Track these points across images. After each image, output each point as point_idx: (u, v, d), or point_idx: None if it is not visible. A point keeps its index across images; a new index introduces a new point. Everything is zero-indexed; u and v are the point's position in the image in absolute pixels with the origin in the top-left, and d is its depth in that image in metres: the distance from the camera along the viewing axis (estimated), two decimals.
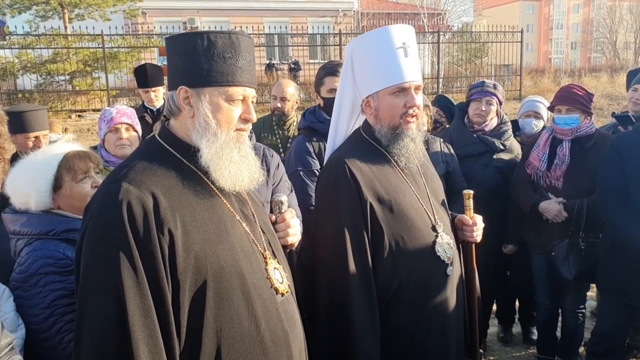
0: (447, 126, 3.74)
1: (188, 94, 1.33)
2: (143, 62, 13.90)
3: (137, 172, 1.27)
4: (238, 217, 1.39)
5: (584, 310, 3.09)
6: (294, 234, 1.65)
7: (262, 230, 1.47)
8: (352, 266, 1.71)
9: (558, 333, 3.28)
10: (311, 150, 2.64)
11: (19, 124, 2.86)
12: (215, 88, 1.32)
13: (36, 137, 2.91)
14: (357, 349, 1.69)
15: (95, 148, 2.70)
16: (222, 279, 1.27)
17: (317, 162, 2.61)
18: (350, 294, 1.70)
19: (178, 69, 1.33)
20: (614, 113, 3.62)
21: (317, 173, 2.56)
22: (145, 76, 4.11)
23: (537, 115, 3.48)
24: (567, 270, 2.80)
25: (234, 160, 1.35)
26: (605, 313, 2.82)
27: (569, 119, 2.84)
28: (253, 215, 1.46)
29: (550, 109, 3.01)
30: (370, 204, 1.75)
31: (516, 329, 3.77)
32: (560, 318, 3.22)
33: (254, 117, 1.40)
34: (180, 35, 1.36)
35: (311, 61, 16.27)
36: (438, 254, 1.82)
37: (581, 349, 3.20)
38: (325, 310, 1.75)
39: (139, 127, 2.68)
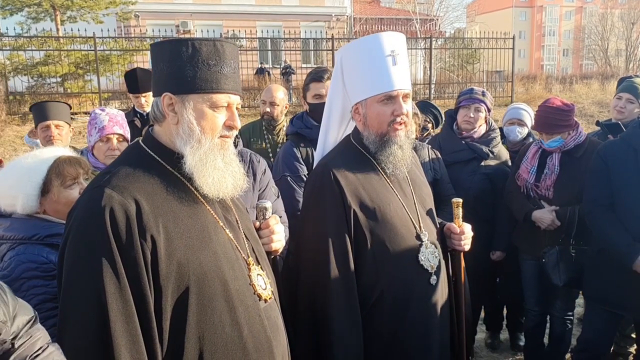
0: (433, 131, 3.76)
1: (172, 101, 1.33)
2: (135, 64, 13.92)
3: (120, 178, 1.27)
4: (221, 224, 1.39)
5: (572, 317, 3.11)
6: (278, 240, 1.65)
7: (245, 236, 1.48)
8: (333, 271, 1.71)
9: (545, 340, 3.30)
10: (299, 155, 2.65)
11: (38, 115, 3.21)
12: (199, 95, 1.33)
13: (47, 126, 3.13)
14: (335, 354, 1.69)
15: (81, 152, 2.68)
16: (204, 285, 1.27)
17: (305, 168, 2.62)
18: (330, 299, 1.70)
19: (162, 76, 1.34)
20: (598, 122, 3.66)
21: (305, 178, 2.57)
22: (135, 82, 4.08)
23: (521, 123, 3.51)
24: (558, 277, 2.81)
25: (217, 167, 1.35)
26: (590, 320, 2.84)
27: (552, 142, 2.88)
28: (237, 221, 1.47)
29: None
30: (354, 210, 1.76)
31: (504, 335, 3.79)
32: (548, 324, 3.24)
33: (238, 124, 1.41)
34: (164, 42, 1.37)
35: (304, 65, 16.32)
36: (421, 262, 1.82)
37: (567, 356, 3.22)
38: (306, 315, 1.75)
39: (129, 135, 2.66)
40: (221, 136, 1.38)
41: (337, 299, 1.71)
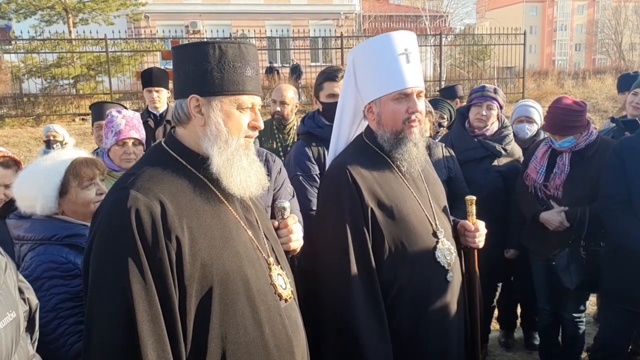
0: (446, 125, 3.74)
1: (199, 102, 1.35)
2: (146, 65, 14.04)
3: (144, 179, 1.29)
4: (242, 224, 1.41)
5: (583, 319, 3.07)
6: (297, 239, 1.67)
7: (265, 236, 1.49)
8: (354, 269, 1.72)
9: (560, 339, 3.27)
10: (310, 155, 2.65)
11: (95, 115, 3.65)
12: (226, 97, 1.35)
13: (100, 126, 3.50)
14: (364, 352, 1.69)
15: (96, 152, 2.71)
16: (227, 285, 1.29)
17: (317, 167, 2.62)
18: (352, 297, 1.71)
19: (188, 78, 1.35)
20: (613, 118, 3.61)
21: (317, 178, 2.58)
22: (150, 77, 4.19)
23: (530, 120, 3.47)
24: (569, 280, 2.77)
25: (243, 166, 1.38)
26: (607, 319, 2.80)
27: (564, 142, 2.84)
28: (257, 221, 1.48)
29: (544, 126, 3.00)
30: (371, 209, 1.77)
31: (518, 333, 3.76)
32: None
33: (262, 125, 1.43)
34: (190, 45, 1.39)
35: (313, 64, 16.34)
36: (438, 259, 1.83)
37: (584, 355, 3.19)
38: (329, 314, 1.76)
39: (144, 137, 2.68)
40: (246, 136, 1.40)
41: (360, 300, 1.71)
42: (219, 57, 1.33)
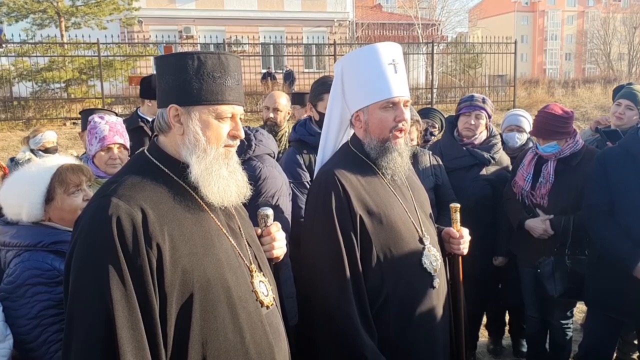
0: (437, 135, 3.78)
1: (178, 112, 1.37)
2: (139, 70, 13.99)
3: (126, 187, 1.30)
4: (225, 231, 1.42)
5: (571, 326, 3.10)
6: (280, 247, 1.67)
7: (248, 243, 1.50)
8: (348, 276, 1.74)
9: (547, 346, 3.29)
10: (301, 162, 2.67)
11: (84, 122, 3.26)
12: (205, 106, 1.36)
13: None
14: (364, 352, 1.71)
15: (80, 159, 2.69)
16: (208, 291, 1.30)
17: (308, 175, 2.63)
18: (347, 305, 1.72)
19: (168, 88, 1.37)
20: (597, 128, 3.67)
21: (307, 185, 2.59)
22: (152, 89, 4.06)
23: (520, 129, 3.52)
24: (553, 288, 2.80)
25: (222, 176, 1.39)
26: (592, 326, 2.83)
27: (547, 147, 2.88)
28: (239, 229, 1.49)
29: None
30: (360, 216, 1.79)
31: (506, 341, 3.78)
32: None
33: (242, 134, 1.45)
34: (170, 56, 1.40)
35: (306, 70, 16.40)
36: (425, 266, 1.85)
37: None
38: (322, 319, 1.78)
39: (128, 143, 2.66)
40: (225, 146, 1.41)
41: (350, 305, 1.72)
42: (198, 67, 1.35)
